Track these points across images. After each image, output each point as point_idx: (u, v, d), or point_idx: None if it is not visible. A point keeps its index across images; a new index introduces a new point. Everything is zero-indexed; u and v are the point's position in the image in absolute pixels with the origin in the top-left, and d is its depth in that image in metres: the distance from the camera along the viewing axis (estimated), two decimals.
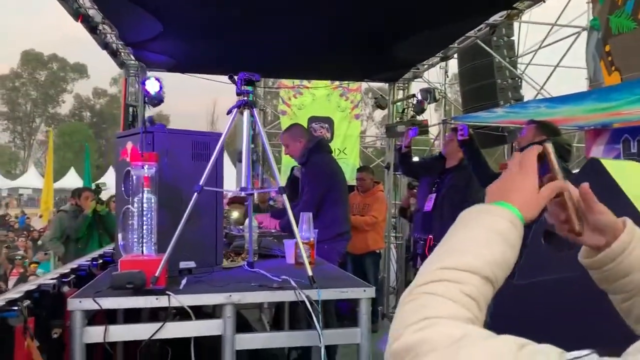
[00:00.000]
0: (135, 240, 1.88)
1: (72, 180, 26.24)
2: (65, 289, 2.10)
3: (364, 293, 1.90)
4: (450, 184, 3.91)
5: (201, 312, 2.14)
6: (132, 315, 2.42)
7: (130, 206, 1.91)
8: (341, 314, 3.68)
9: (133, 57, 5.46)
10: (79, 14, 4.02)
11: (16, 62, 51.64)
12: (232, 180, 8.64)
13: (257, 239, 2.73)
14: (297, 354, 3.59)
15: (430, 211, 3.97)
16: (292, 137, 3.95)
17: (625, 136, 5.89)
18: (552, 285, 1.83)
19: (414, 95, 5.84)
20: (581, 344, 0.54)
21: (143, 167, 1.86)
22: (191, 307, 1.80)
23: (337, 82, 8.74)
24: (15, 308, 1.61)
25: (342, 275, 2.38)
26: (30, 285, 1.96)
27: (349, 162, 9.25)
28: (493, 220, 0.72)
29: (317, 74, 6.99)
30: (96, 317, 1.84)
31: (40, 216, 16.01)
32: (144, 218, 1.87)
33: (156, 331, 1.73)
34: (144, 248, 1.87)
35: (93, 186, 6.23)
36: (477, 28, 4.67)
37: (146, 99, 5.42)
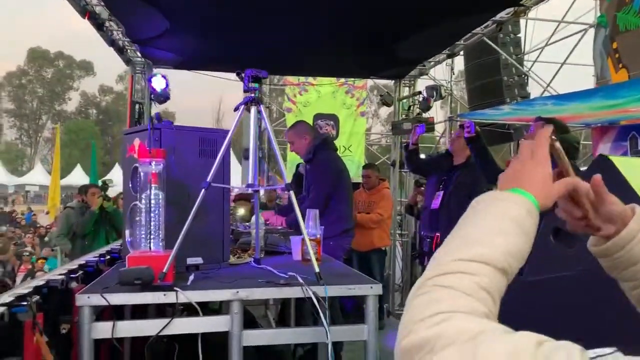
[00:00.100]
0: (143, 236, 1.89)
1: (78, 177, 26.35)
2: (73, 284, 2.11)
3: (371, 290, 1.90)
4: (457, 181, 3.89)
5: (207, 309, 2.14)
6: (139, 312, 2.43)
7: (137, 202, 1.92)
8: (346, 311, 3.69)
9: (139, 54, 5.47)
10: (86, 11, 4.03)
11: (23, 60, 51.96)
12: (237, 178, 8.65)
13: (263, 235, 2.73)
14: (302, 351, 3.60)
15: (437, 209, 3.95)
16: (298, 134, 3.97)
17: (632, 133, 5.86)
18: (561, 282, 1.82)
19: (420, 93, 5.82)
20: (591, 344, 0.53)
21: (151, 164, 1.87)
22: (198, 304, 1.80)
23: (342, 80, 8.73)
24: (25, 303, 1.62)
25: (348, 272, 2.39)
26: (39, 281, 1.97)
27: (354, 160, 9.25)
28: (508, 207, 0.69)
29: (323, 71, 6.97)
30: (103, 313, 1.86)
31: (47, 213, 16.10)
32: (152, 214, 1.87)
33: (164, 327, 1.74)
34: (152, 244, 1.88)
35: (100, 183, 6.25)
36: (484, 25, 4.65)
37: (152, 96, 5.44)
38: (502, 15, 4.38)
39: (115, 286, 1.77)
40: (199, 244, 2.10)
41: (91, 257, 2.74)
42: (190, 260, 2.09)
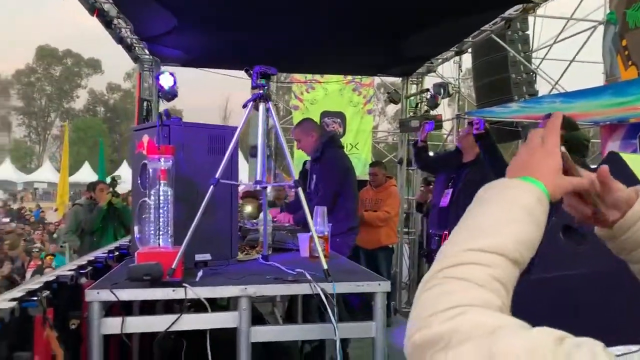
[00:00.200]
0: (152, 232, 1.90)
1: (86, 174, 26.53)
2: (83, 280, 2.12)
3: (379, 287, 1.90)
4: (466, 179, 3.86)
5: (215, 305, 2.15)
6: (147, 308, 2.44)
7: (146, 199, 1.93)
8: (350, 306, 3.69)
9: (147, 52, 5.49)
10: (94, 9, 4.05)
11: (31, 58, 52.29)
12: (244, 175, 8.66)
13: (270, 232, 2.74)
14: (310, 348, 3.61)
15: (446, 206, 3.93)
16: (304, 131, 3.99)
17: None
18: (570, 280, 1.81)
19: (427, 90, 5.80)
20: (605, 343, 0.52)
21: (159, 160, 1.87)
22: (206, 300, 1.81)
23: (349, 77, 8.72)
24: (35, 298, 1.63)
25: (356, 268, 2.39)
26: (49, 277, 1.99)
27: (360, 157, 9.25)
28: (518, 195, 0.67)
29: (331, 69, 6.97)
30: (112, 309, 1.86)
31: (56, 210, 16.21)
32: (160, 210, 1.88)
33: (173, 323, 1.74)
34: (161, 240, 1.88)
35: (108, 179, 6.28)
36: (493, 22, 4.63)
37: (160, 93, 5.46)
38: (511, 12, 4.36)
39: (124, 282, 1.78)
40: (207, 241, 2.11)
41: (100, 253, 2.76)
42: (199, 257, 2.10)
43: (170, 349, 2.61)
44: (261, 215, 2.58)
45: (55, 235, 11.90)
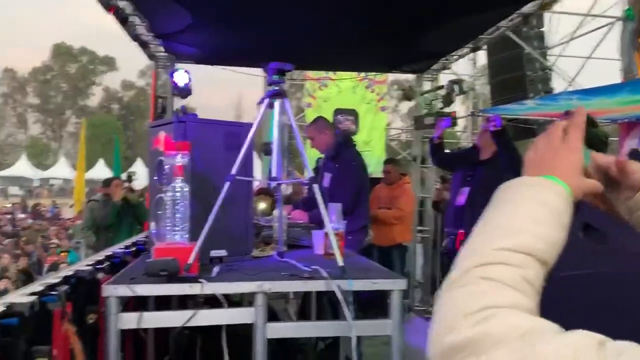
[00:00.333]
0: (168, 228, 1.91)
1: (100, 171, 26.79)
2: (100, 275, 2.14)
3: (395, 285, 1.89)
4: (483, 176, 3.81)
5: (229, 301, 2.16)
6: (162, 303, 2.46)
7: (163, 195, 1.93)
8: (360, 302, 3.69)
9: (162, 49, 5.52)
10: (110, 6, 4.07)
11: (47, 55, 52.90)
12: (257, 172, 8.66)
13: (285, 229, 2.74)
14: (324, 345, 3.61)
15: (462, 205, 3.90)
16: (318, 129, 4.02)
17: None
18: (590, 279, 1.79)
19: (442, 87, 5.76)
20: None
21: (176, 156, 1.88)
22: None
23: (362, 74, 8.69)
24: (55, 293, 1.65)
25: (371, 266, 2.38)
26: (67, 271, 2.01)
27: (374, 155, 9.21)
28: (545, 195, 0.65)
29: (345, 66, 6.95)
30: (128, 304, 1.88)
31: (71, 206, 16.40)
32: (177, 207, 1.89)
33: (189, 318, 1.75)
34: (177, 236, 1.89)
35: (124, 175, 6.33)
36: (509, 18, 4.57)
37: (175, 90, 5.49)
38: (528, 8, 4.31)
39: (141, 277, 1.79)
40: (222, 237, 2.11)
41: (117, 248, 2.78)
42: (214, 253, 2.10)
43: (185, 345, 2.63)
44: (274, 211, 2.57)
45: (71, 232, 12.06)
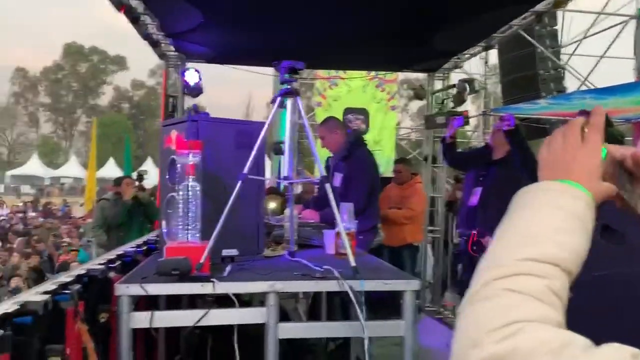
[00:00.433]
0: (180, 227, 1.90)
1: (111, 170, 26.96)
2: (112, 274, 2.14)
3: (408, 285, 1.87)
4: (496, 176, 3.75)
5: (238, 301, 2.15)
6: (171, 303, 2.45)
7: (175, 194, 1.93)
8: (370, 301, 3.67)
9: (173, 48, 5.53)
10: (121, 5, 4.08)
11: (58, 55, 53.33)
12: (267, 172, 8.67)
13: (296, 229, 2.73)
14: (334, 345, 3.60)
15: (475, 205, 3.85)
16: (329, 129, 4.02)
17: None
18: (606, 281, 1.76)
19: (453, 86, 5.72)
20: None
21: (188, 155, 1.87)
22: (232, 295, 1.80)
23: (373, 73, 8.65)
24: (68, 292, 1.65)
25: (382, 266, 2.36)
26: (79, 270, 2.01)
27: (384, 154, 9.17)
28: (569, 201, 0.63)
29: (356, 65, 6.92)
30: (139, 303, 1.88)
31: (82, 205, 16.51)
32: (189, 206, 1.88)
33: (201, 318, 1.74)
34: (189, 235, 1.88)
35: (135, 174, 6.36)
36: (522, 16, 4.53)
37: (185, 89, 5.49)
38: (541, 6, 4.26)
39: (153, 276, 1.79)
40: (234, 236, 2.10)
41: (128, 247, 2.79)
42: (226, 252, 2.09)
43: (196, 344, 2.63)
44: (285, 211, 2.56)
45: (81, 230, 12.14)
